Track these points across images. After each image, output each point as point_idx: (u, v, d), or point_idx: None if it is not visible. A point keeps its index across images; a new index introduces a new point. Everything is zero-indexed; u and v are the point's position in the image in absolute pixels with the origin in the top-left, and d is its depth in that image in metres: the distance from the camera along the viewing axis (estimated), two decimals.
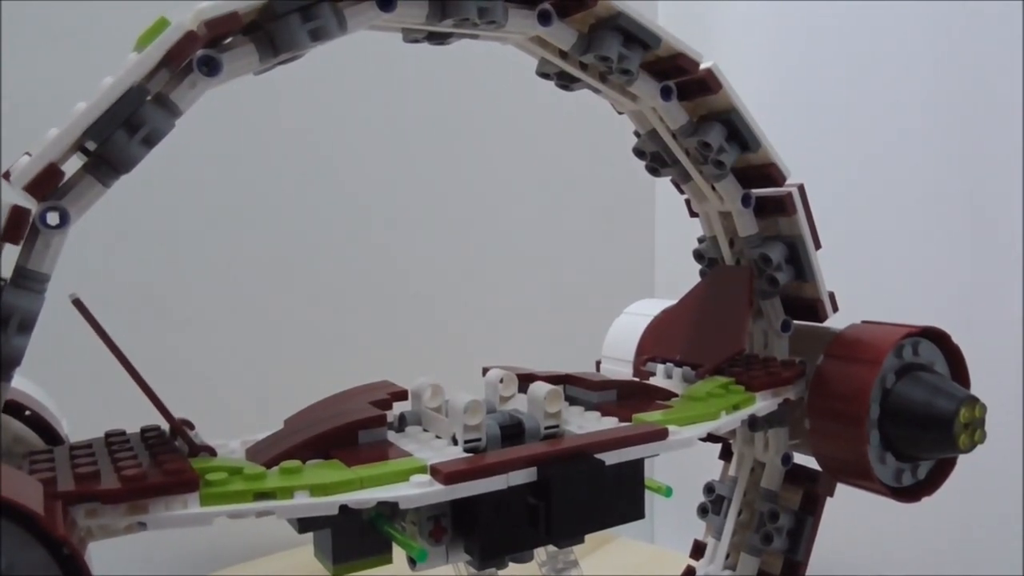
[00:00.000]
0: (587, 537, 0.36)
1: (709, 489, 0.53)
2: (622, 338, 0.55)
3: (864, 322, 0.47)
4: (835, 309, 0.48)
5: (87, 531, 0.29)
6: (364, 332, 0.89)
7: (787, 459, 0.50)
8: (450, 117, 0.96)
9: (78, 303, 0.31)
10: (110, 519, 0.29)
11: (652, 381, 0.47)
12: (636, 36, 0.40)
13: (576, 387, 0.43)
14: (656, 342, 0.53)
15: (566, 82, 0.44)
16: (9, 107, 0.66)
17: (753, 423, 0.48)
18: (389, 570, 0.36)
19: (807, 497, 0.50)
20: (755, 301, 0.49)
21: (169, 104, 0.30)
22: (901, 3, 0.85)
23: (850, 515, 0.58)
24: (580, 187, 1.08)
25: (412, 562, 0.34)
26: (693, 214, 0.51)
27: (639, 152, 0.49)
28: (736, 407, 0.42)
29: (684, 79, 0.43)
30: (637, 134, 0.48)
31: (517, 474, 0.33)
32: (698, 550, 0.54)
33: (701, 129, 0.44)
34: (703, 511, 0.53)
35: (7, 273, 0.29)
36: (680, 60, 0.41)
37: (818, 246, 0.47)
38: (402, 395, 0.40)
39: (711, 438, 0.50)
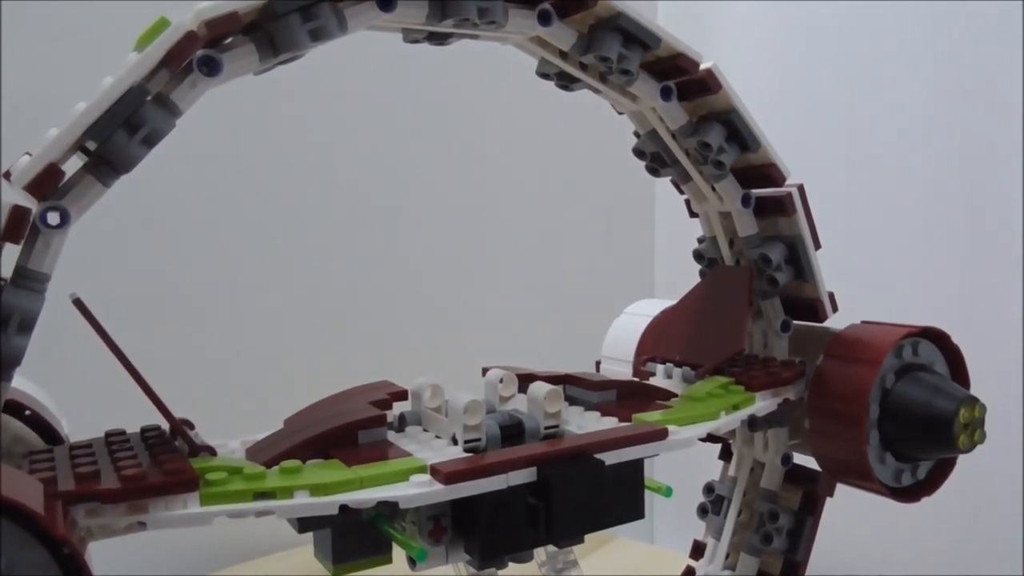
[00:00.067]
0: (587, 537, 0.36)
1: (709, 489, 0.53)
2: (622, 338, 0.55)
3: (864, 322, 0.47)
4: (835, 309, 0.48)
5: (87, 531, 0.29)
6: (364, 332, 0.89)
7: (787, 459, 0.50)
8: (450, 117, 0.96)
9: (78, 303, 0.31)
10: (110, 519, 0.29)
11: (652, 381, 0.47)
12: (636, 36, 0.40)
13: (576, 387, 0.43)
14: (656, 342, 0.53)
15: (566, 82, 0.44)
16: (9, 107, 0.66)
17: (753, 423, 0.48)
18: (389, 570, 0.36)
19: (807, 497, 0.50)
20: (755, 301, 0.49)
21: (169, 104, 0.30)
22: (901, 3, 0.85)
23: (850, 515, 0.58)
24: (580, 187, 1.08)
25: (412, 562, 0.34)
26: (693, 214, 0.51)
27: (639, 152, 0.49)
28: (736, 407, 0.42)
29: (684, 79, 0.43)
30: (637, 134, 0.48)
31: (517, 474, 0.33)
32: (698, 550, 0.54)
33: (701, 129, 0.44)
34: (703, 511, 0.53)
35: (7, 273, 0.29)
36: (680, 60, 0.41)
37: (818, 246, 0.47)
38: (402, 395, 0.40)
39: (711, 438, 0.50)
